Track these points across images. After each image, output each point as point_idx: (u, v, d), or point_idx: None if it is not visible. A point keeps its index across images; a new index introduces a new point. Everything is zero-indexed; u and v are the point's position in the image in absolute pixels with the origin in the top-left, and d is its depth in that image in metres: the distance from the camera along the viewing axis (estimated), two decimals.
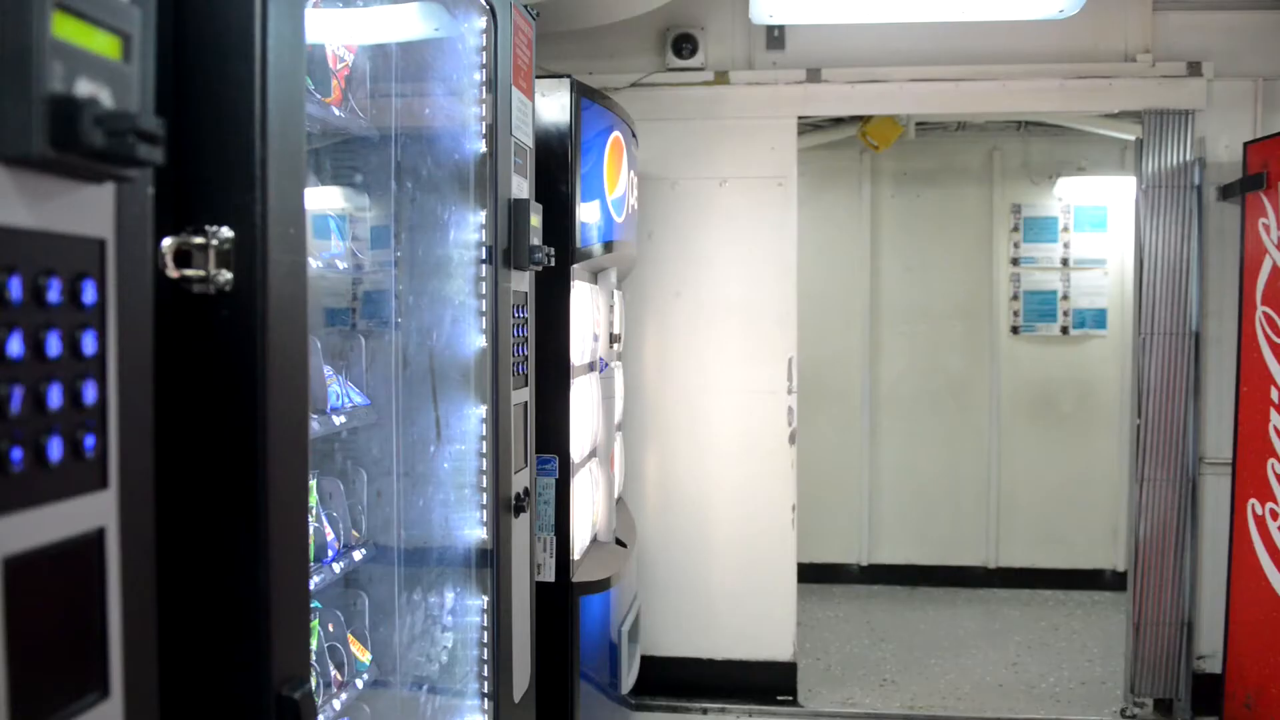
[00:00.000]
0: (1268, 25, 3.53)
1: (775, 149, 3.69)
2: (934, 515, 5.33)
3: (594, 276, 3.12)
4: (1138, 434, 3.55)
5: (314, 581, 1.53)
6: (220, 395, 1.12)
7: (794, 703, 3.68)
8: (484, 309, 2.05)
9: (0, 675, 0.71)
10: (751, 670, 3.72)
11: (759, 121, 3.69)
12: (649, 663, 3.68)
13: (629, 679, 3.32)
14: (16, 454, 0.72)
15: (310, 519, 1.36)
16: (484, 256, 2.05)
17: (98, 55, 0.77)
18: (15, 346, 0.72)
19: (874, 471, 5.32)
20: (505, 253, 2.07)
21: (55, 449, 0.76)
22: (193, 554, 1.12)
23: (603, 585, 2.91)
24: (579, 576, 2.82)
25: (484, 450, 2.06)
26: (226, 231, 1.06)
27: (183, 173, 1.08)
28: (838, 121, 4.52)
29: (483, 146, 2.04)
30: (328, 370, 1.73)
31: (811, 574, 5.05)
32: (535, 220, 2.19)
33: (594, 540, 3.16)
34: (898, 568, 5.31)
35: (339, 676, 1.74)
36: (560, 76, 2.77)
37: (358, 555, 1.80)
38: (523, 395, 2.21)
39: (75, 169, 0.77)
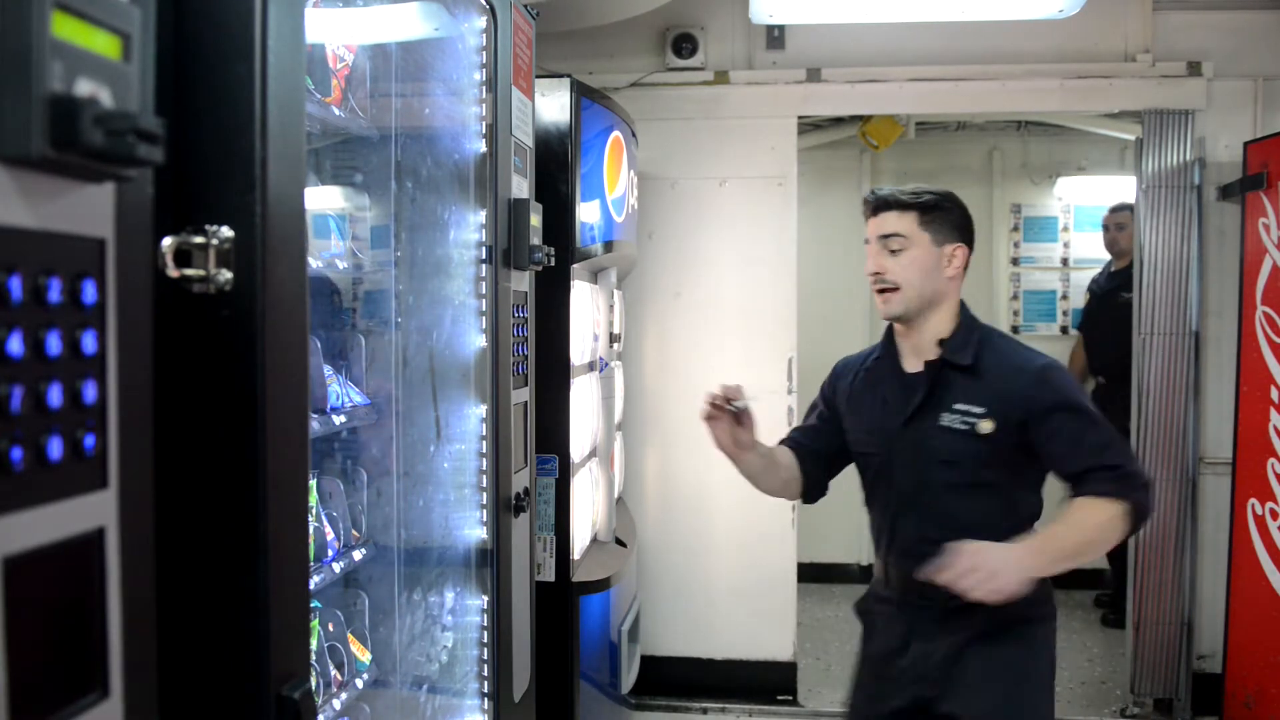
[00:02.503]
0: (1268, 25, 3.53)
1: (775, 149, 3.69)
2: None
3: (594, 276, 3.12)
4: (1137, 434, 3.55)
5: (314, 581, 1.53)
6: (220, 395, 1.12)
7: (794, 703, 3.68)
8: (484, 309, 2.05)
9: (0, 675, 0.71)
10: (751, 670, 3.72)
11: (759, 121, 3.69)
12: (649, 663, 3.68)
13: (629, 679, 3.32)
14: (17, 454, 0.72)
15: (310, 519, 1.36)
16: (484, 256, 2.05)
17: (98, 55, 0.77)
18: (15, 346, 0.72)
19: None
20: (505, 253, 2.07)
21: (55, 449, 0.76)
22: (193, 553, 1.12)
23: (603, 585, 2.91)
24: (579, 576, 2.82)
25: (484, 450, 2.06)
26: (226, 231, 1.06)
27: (183, 172, 1.08)
28: (838, 121, 4.52)
29: (483, 146, 2.04)
30: (328, 370, 1.73)
31: (811, 574, 5.05)
32: (535, 220, 2.19)
33: (594, 540, 3.16)
34: None
35: (339, 676, 1.74)
36: (560, 76, 2.76)
37: (358, 555, 1.80)
38: (523, 395, 2.21)
39: (75, 169, 0.77)
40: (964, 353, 1.82)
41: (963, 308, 1.88)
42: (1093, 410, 1.80)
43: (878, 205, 1.92)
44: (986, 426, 1.77)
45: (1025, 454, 1.80)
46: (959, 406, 1.80)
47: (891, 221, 1.88)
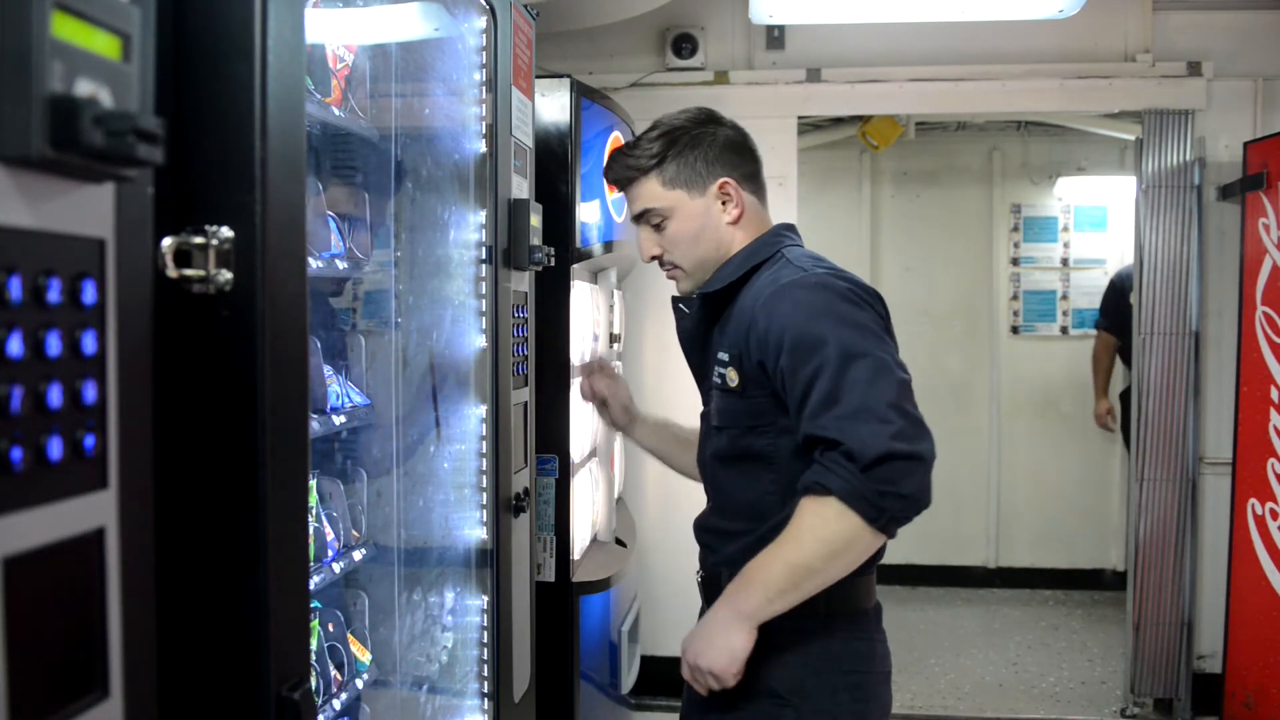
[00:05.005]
0: (1268, 25, 3.53)
1: (775, 149, 3.68)
2: (934, 515, 5.28)
3: (594, 276, 3.12)
4: (1137, 434, 3.55)
5: (314, 581, 1.53)
6: (220, 395, 1.12)
7: None
8: (484, 309, 2.05)
9: (0, 675, 0.71)
10: None
11: (759, 121, 3.64)
12: (649, 663, 3.68)
13: (629, 679, 3.32)
14: (17, 454, 0.72)
15: (310, 519, 1.36)
16: (484, 256, 2.05)
17: (98, 55, 0.77)
18: (15, 346, 0.72)
19: None
20: (505, 253, 2.07)
21: (55, 449, 0.76)
22: (193, 554, 1.12)
23: (603, 585, 2.91)
24: (579, 576, 2.82)
25: (484, 450, 2.06)
26: (226, 231, 1.06)
27: (183, 173, 1.08)
28: (838, 121, 4.52)
29: (483, 146, 2.04)
30: (328, 370, 1.73)
31: None
32: (535, 220, 2.19)
33: (594, 540, 3.16)
34: (898, 568, 5.31)
35: (339, 676, 1.74)
36: (560, 76, 2.76)
37: (358, 555, 1.80)
38: (523, 395, 2.21)
39: (75, 169, 0.77)
40: (720, 277, 1.49)
41: (765, 238, 1.56)
42: (835, 344, 1.27)
43: (616, 183, 1.58)
44: (733, 378, 1.41)
45: (787, 410, 1.35)
46: (720, 355, 1.46)
47: (638, 196, 1.54)
